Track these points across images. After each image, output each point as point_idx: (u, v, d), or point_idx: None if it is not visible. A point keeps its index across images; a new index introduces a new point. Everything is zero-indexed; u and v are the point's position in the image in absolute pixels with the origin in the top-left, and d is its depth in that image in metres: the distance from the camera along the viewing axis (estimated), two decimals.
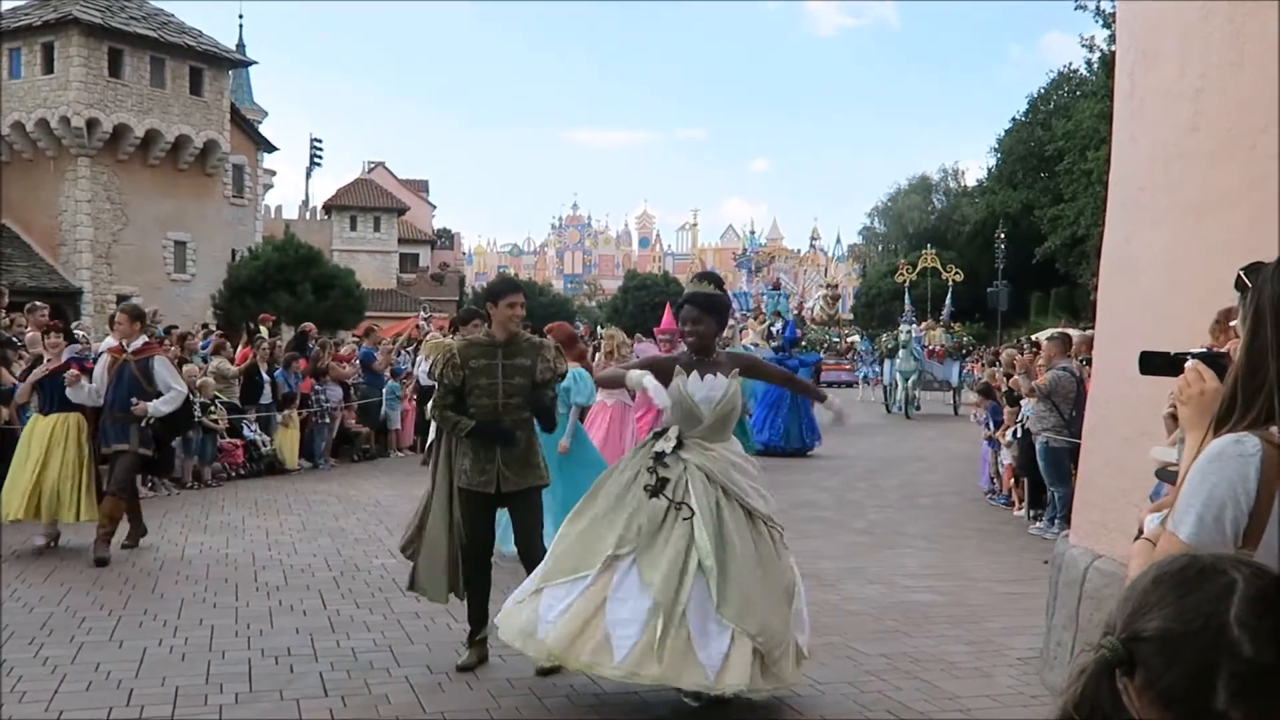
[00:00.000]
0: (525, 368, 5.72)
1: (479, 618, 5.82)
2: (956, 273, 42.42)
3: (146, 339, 9.01)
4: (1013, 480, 11.96)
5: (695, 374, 5.19)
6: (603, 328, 18.10)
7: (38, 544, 8.78)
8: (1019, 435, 11.30)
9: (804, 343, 25.32)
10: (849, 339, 39.62)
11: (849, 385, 34.04)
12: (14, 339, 12.05)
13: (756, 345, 23.14)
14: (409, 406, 17.45)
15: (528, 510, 5.85)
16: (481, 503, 5.73)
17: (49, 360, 8.97)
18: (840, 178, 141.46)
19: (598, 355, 13.65)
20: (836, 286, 49.06)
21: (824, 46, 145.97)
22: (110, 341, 13.19)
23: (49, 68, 34.84)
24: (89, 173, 35.19)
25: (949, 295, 36.75)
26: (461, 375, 5.68)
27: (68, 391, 8.49)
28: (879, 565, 8.65)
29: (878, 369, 29.80)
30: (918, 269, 43.02)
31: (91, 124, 34.60)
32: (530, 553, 5.73)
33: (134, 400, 8.45)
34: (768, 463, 15.49)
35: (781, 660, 4.78)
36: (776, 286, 29.94)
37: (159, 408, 8.53)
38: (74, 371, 8.53)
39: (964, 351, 28.52)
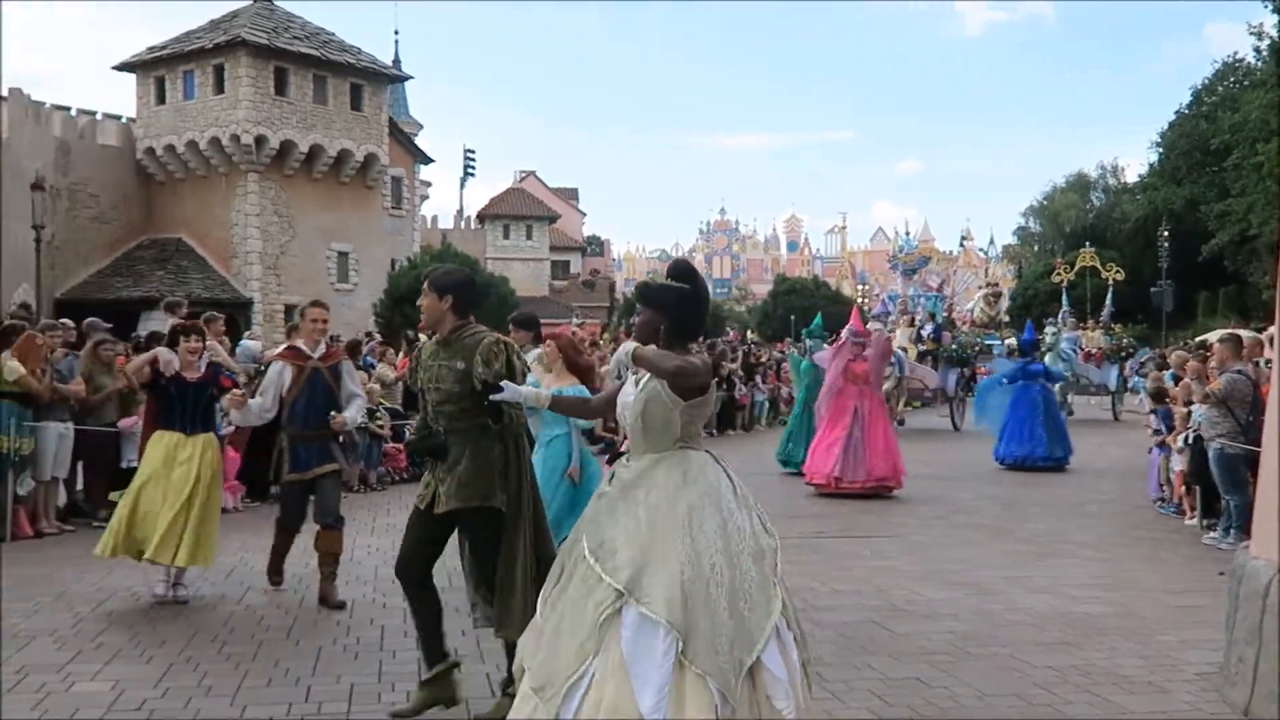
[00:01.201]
0: (458, 371, 5.00)
1: (428, 651, 5.22)
2: (1117, 271, 40.90)
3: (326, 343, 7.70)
4: (1184, 488, 11.49)
5: (632, 377, 4.41)
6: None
7: (160, 594, 7.42)
8: (1190, 441, 10.86)
9: (954, 346, 24.31)
10: (1007, 341, 38.49)
11: None
12: None
13: (905, 350, 22.66)
14: None
15: (472, 535, 5.13)
16: (417, 518, 5.17)
17: (176, 365, 7.45)
18: (992, 177, 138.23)
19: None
20: (998, 285, 47.59)
21: (974, 44, 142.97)
22: (255, 347, 13.65)
23: (220, 88, 36.51)
24: (258, 188, 36.76)
25: (1109, 295, 35.49)
26: (418, 379, 5.25)
27: (232, 415, 7.54)
28: (1044, 574, 8.43)
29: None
30: (1075, 268, 41.64)
31: (259, 141, 36.13)
32: (481, 591, 5.13)
33: (331, 414, 7.28)
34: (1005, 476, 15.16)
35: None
36: (938, 289, 29.16)
37: (355, 418, 7.59)
38: (238, 394, 7.32)
39: (1124, 354, 27.12)
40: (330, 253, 38.91)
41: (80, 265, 36.15)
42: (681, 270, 4.42)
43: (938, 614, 7.05)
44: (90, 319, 12.31)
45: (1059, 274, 42.44)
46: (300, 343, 7.52)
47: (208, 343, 8.09)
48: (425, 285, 5.22)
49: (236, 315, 32.57)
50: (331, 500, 7.39)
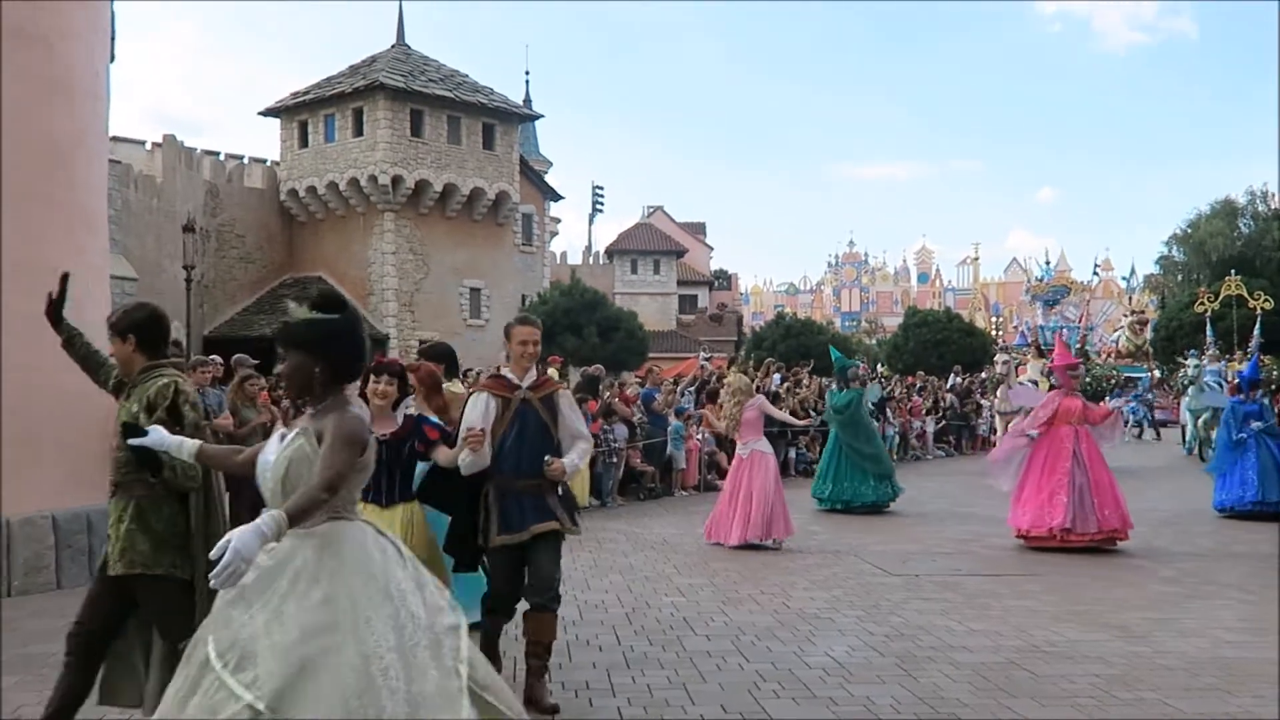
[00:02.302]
0: (132, 412, 4.52)
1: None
2: (1265, 300, 39.25)
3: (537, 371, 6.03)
4: None
5: (277, 432, 3.75)
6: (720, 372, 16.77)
7: None
8: None
9: (1087, 378, 23.24)
10: (1154, 372, 37.18)
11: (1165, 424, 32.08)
12: None
13: (1035, 382, 21.95)
14: (694, 446, 17.70)
15: (142, 605, 4.50)
16: (98, 576, 4.68)
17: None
18: (1134, 204, 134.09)
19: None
20: (1143, 312, 46.20)
21: (1113, 65, 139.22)
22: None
23: (358, 131, 37.76)
24: (393, 226, 37.83)
25: (1257, 325, 34.08)
26: None
27: (462, 462, 5.59)
28: (1194, 616, 8.07)
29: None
30: (1220, 298, 40.11)
31: (396, 181, 37.21)
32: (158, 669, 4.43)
33: (547, 458, 5.69)
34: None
35: None
36: (1079, 320, 28.33)
37: (577, 464, 5.90)
38: (478, 431, 5.50)
39: (1275, 387, 25.65)
40: (463, 289, 39.75)
41: (227, 303, 37.63)
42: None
43: (1082, 656, 6.80)
44: (238, 355, 12.76)
45: (1202, 303, 40.96)
46: (507, 370, 5.96)
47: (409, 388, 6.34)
48: (109, 331, 4.75)
49: (374, 351, 33.38)
50: (549, 571, 5.72)
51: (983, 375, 28.14)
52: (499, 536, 5.64)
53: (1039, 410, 11.59)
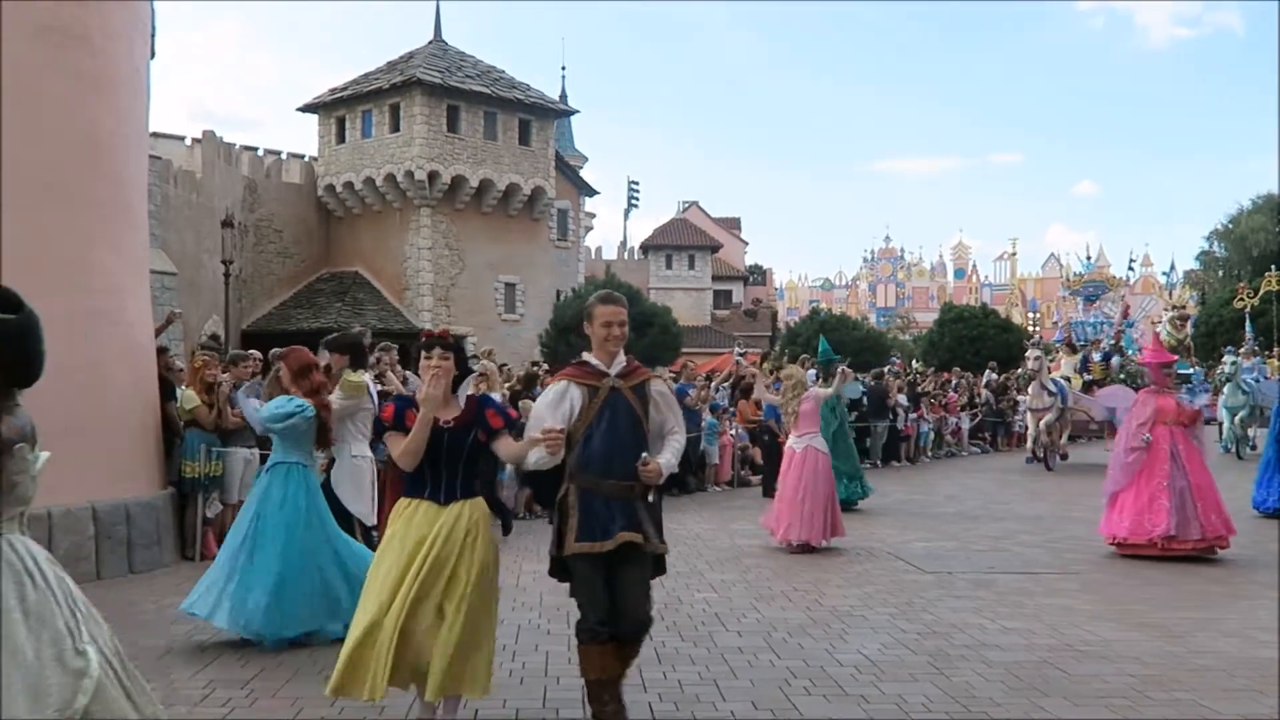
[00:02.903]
0: None
1: None
2: None
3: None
4: None
5: None
6: (775, 364, 16.21)
7: None
8: None
9: (1121, 375, 22.68)
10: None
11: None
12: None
13: (1068, 379, 21.71)
14: (727, 441, 17.70)
15: None
16: None
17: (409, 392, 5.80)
18: (1174, 200, 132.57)
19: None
20: (1185, 308, 45.58)
21: (1156, 59, 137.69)
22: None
23: (395, 127, 37.97)
24: (430, 222, 38.02)
25: None
26: None
27: (531, 460, 4.94)
28: (1230, 617, 8.00)
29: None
30: (1260, 293, 39.61)
31: (432, 176, 37.39)
32: None
33: (643, 456, 4.96)
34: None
35: None
36: (1124, 315, 27.85)
37: (673, 464, 5.14)
38: (558, 430, 4.83)
39: None
40: (498, 284, 39.91)
41: (265, 298, 37.95)
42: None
43: (1117, 655, 6.76)
44: (275, 349, 12.86)
45: (1241, 299, 40.47)
46: (590, 356, 5.17)
47: (473, 369, 5.91)
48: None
49: (409, 345, 33.57)
50: (637, 598, 4.99)
51: (1018, 371, 27.90)
52: (578, 543, 4.96)
53: (1137, 413, 10.75)
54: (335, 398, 7.69)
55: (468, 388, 5.26)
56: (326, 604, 6.85)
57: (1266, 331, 36.33)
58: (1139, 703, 5.76)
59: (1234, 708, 5.68)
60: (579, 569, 5.03)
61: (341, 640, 6.14)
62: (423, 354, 4.96)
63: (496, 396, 10.63)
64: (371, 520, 8.15)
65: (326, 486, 7.77)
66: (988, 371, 29.32)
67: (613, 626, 4.95)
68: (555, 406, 5.05)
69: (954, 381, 27.35)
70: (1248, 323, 34.97)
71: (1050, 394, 20.29)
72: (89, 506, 9.18)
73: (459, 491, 4.98)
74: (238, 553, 6.88)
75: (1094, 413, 21.82)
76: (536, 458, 4.88)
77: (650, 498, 5.06)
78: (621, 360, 5.16)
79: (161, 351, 11.07)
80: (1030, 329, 50.67)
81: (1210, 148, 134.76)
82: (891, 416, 21.89)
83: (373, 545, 7.55)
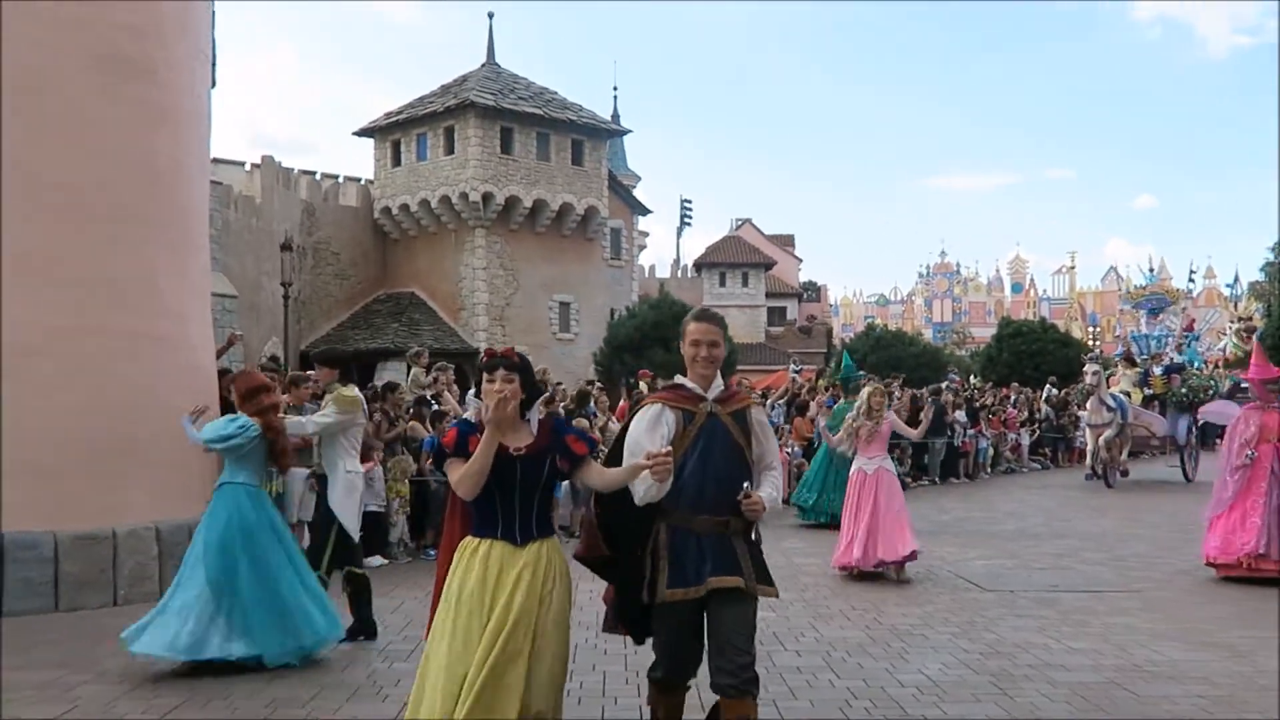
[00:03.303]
0: None
1: None
2: None
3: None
4: None
5: None
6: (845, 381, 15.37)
7: None
8: None
9: (1183, 389, 21.79)
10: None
11: None
12: (433, 398, 13.16)
13: (1128, 394, 21.24)
14: (783, 459, 17.61)
15: None
16: None
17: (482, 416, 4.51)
18: (1236, 211, 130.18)
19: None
20: (1251, 319, 44.68)
21: (1215, 70, 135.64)
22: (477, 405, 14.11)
23: (450, 149, 38.32)
24: (484, 242, 38.30)
25: None
26: None
27: (638, 491, 4.39)
28: None
29: None
30: None
31: (486, 198, 37.68)
32: None
33: (744, 488, 4.44)
34: None
35: None
36: (1188, 328, 27.24)
37: (776, 498, 4.67)
38: (665, 451, 4.23)
39: (1198, 399, 23.68)
40: (553, 303, 40.08)
41: (323, 319, 38.40)
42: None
43: (1185, 676, 6.62)
44: None
45: None
46: (685, 379, 4.69)
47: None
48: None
49: (465, 365, 33.83)
50: (739, 641, 4.37)
51: (1077, 386, 27.44)
52: (670, 590, 4.41)
53: (1240, 430, 10.23)
54: (329, 413, 7.73)
55: (538, 411, 4.52)
56: (288, 622, 6.86)
57: None
58: None
59: None
60: (666, 619, 4.47)
61: (308, 655, 6.86)
62: (485, 376, 4.34)
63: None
64: (357, 536, 8.12)
65: (321, 499, 7.86)
66: (1047, 386, 28.93)
67: (716, 677, 4.36)
68: (653, 429, 4.50)
69: (1013, 397, 27.02)
70: None
71: (1109, 409, 19.81)
72: (153, 527, 9.32)
73: (535, 529, 4.34)
74: (181, 582, 6.89)
75: (1155, 428, 21.38)
76: (645, 488, 4.32)
77: (752, 535, 4.55)
78: (719, 384, 4.66)
79: (223, 374, 11.23)
80: (1090, 343, 49.96)
81: (1272, 157, 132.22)
82: (950, 433, 21.67)
83: (353, 556, 7.83)
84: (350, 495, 7.82)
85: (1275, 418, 10.14)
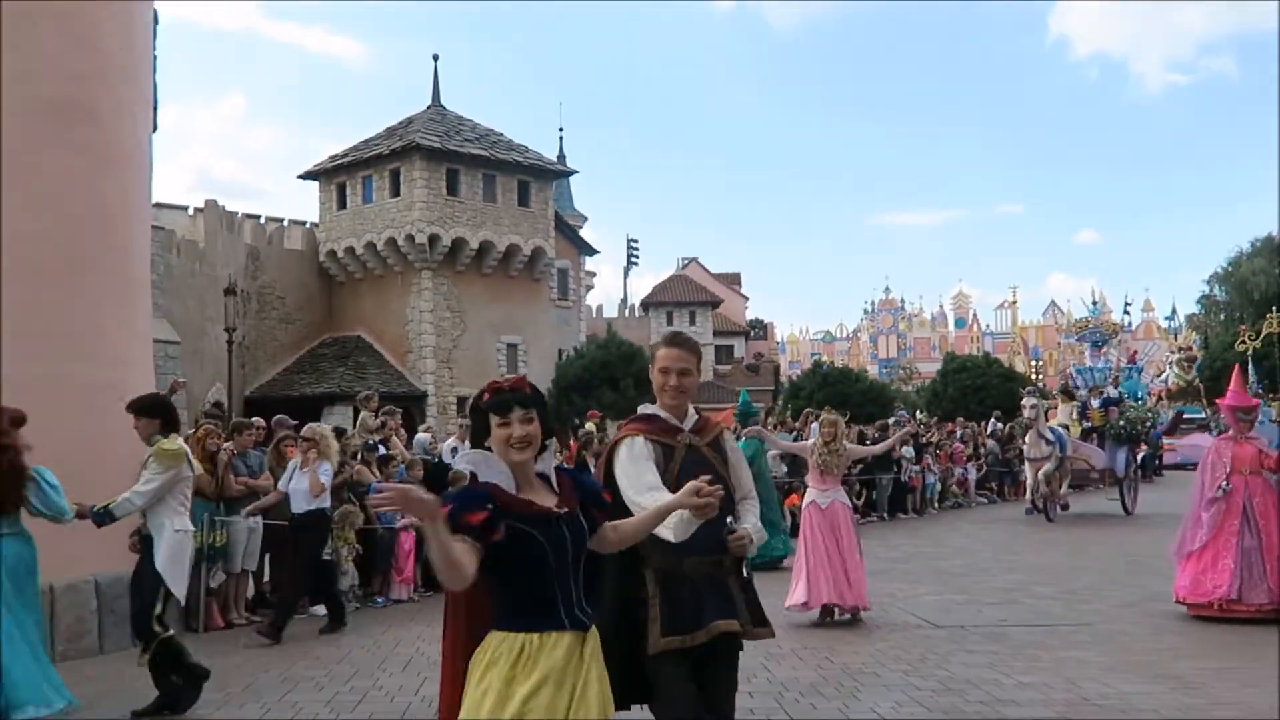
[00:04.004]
0: None
1: None
2: None
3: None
4: None
5: None
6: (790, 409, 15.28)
7: None
8: None
9: (1121, 422, 21.69)
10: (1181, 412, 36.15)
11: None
12: (381, 443, 13.02)
13: (1066, 426, 21.38)
14: None
15: None
16: None
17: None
18: (1174, 246, 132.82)
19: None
20: (1191, 349, 45.58)
21: (1152, 108, 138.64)
22: (452, 443, 13.88)
23: (395, 191, 38.28)
24: (431, 284, 38.18)
25: None
26: None
27: (673, 530, 3.76)
28: (1252, 666, 7.87)
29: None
30: (1261, 335, 39.66)
31: (433, 240, 37.62)
32: None
33: (728, 523, 4.18)
34: None
35: None
36: (1132, 360, 27.57)
37: (760, 529, 4.31)
38: (708, 482, 3.50)
39: (1137, 431, 23.90)
40: (500, 344, 39.97)
41: (268, 364, 38.01)
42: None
43: (1135, 709, 6.65)
44: (278, 416, 12.87)
45: (1243, 342, 40.51)
46: (656, 408, 4.29)
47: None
48: None
49: (412, 408, 33.58)
50: (725, 695, 4.13)
51: (1017, 419, 27.62)
52: (666, 638, 3.94)
53: (1211, 463, 9.84)
54: (151, 475, 7.00)
55: (552, 457, 3.55)
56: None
57: (1270, 374, 36.28)
58: None
59: None
60: (666, 671, 3.93)
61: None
62: (493, 419, 3.37)
63: (328, 468, 10.14)
64: (183, 599, 7.63)
65: (145, 561, 7.10)
66: (992, 420, 29.22)
67: None
68: (648, 459, 4.06)
69: (959, 432, 27.25)
70: (1250, 365, 34.96)
71: (1048, 443, 19.85)
72: (91, 580, 9.11)
73: (581, 607, 3.36)
74: None
75: (1094, 461, 21.45)
76: (675, 522, 3.70)
77: (744, 572, 4.23)
78: (693, 413, 4.31)
79: None
80: (1033, 376, 50.63)
81: (1209, 193, 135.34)
82: (896, 468, 21.78)
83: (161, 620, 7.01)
84: (178, 559, 7.09)
85: (1248, 449, 9.77)
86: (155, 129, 11.66)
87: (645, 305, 59.60)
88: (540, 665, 3.19)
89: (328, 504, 10.24)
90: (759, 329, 70.01)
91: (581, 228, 52.15)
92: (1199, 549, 9.62)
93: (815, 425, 10.93)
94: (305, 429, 10.63)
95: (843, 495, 10.43)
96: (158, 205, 31.91)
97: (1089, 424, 21.89)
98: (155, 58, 11.75)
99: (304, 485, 9.94)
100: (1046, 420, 20.64)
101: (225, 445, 10.62)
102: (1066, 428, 21.20)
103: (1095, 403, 22.17)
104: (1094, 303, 31.62)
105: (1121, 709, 6.67)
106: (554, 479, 3.47)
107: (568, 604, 3.30)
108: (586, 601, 3.38)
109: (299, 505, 9.98)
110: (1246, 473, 9.62)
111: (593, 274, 57.46)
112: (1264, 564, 9.32)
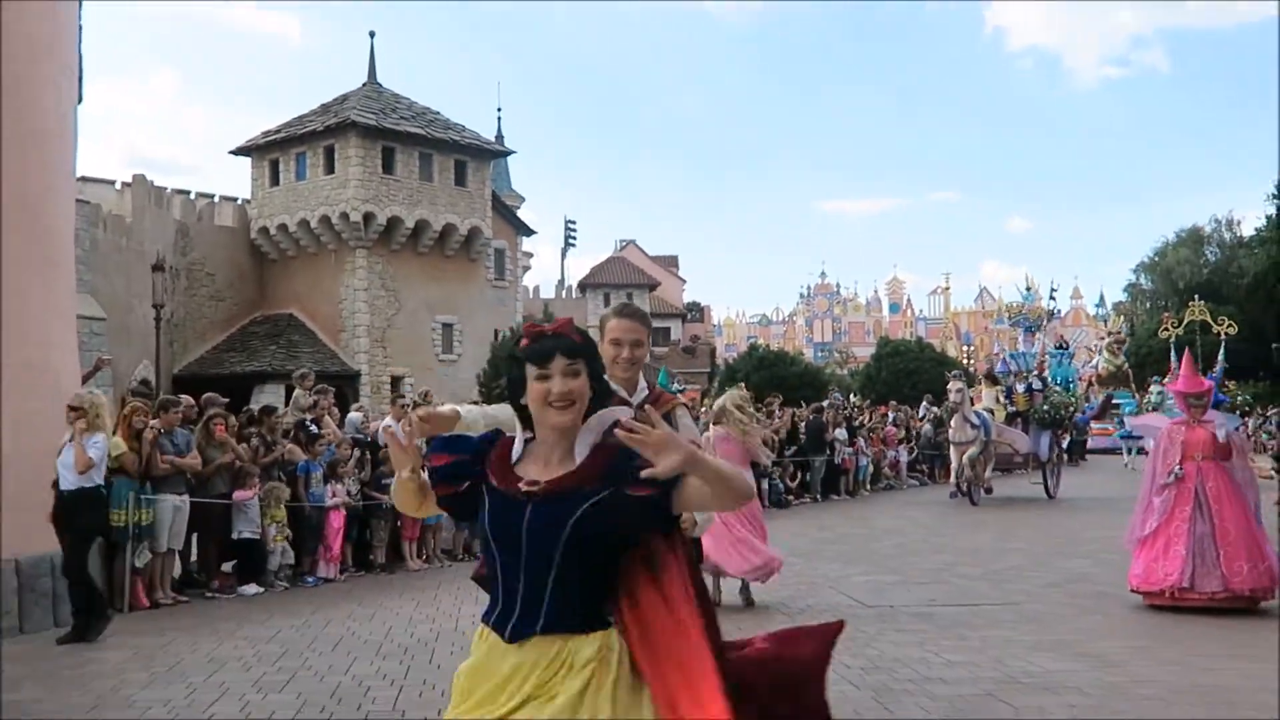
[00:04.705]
0: None
1: None
2: (1229, 325, 39.68)
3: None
4: None
5: None
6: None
7: None
8: None
9: (1045, 406, 21.92)
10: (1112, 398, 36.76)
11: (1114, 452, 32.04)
12: (313, 423, 12.85)
13: (991, 411, 21.59)
14: None
15: None
16: None
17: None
18: (1105, 233, 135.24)
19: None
20: (1119, 333, 46.31)
21: (1086, 99, 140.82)
22: (389, 421, 13.79)
23: (330, 168, 37.74)
24: (365, 263, 37.74)
25: (1221, 351, 34.40)
26: None
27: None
28: (1171, 645, 8.07)
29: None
30: (1184, 323, 40.51)
31: (368, 218, 37.17)
32: None
33: None
34: None
35: None
36: (1062, 346, 27.92)
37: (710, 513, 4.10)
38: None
39: (1240, 413, 25.09)
40: (435, 324, 39.66)
41: (197, 342, 37.39)
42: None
43: (1059, 686, 6.77)
44: (208, 394, 12.66)
45: (1166, 329, 41.34)
46: (610, 380, 3.52)
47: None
48: None
49: (345, 387, 33.23)
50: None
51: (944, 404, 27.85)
52: None
53: (1164, 449, 9.66)
54: None
55: (594, 429, 2.78)
56: None
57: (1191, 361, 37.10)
58: None
59: None
60: None
61: None
62: (530, 369, 2.71)
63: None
64: None
65: None
66: (924, 404, 29.58)
67: None
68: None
69: (891, 415, 27.56)
70: (1172, 352, 35.67)
71: (973, 426, 20.01)
72: (12, 560, 8.92)
73: (545, 616, 2.68)
74: None
75: (1018, 445, 21.65)
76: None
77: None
78: (644, 386, 4.22)
79: None
80: (965, 361, 51.30)
81: (1139, 184, 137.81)
82: (830, 450, 21.98)
83: None
84: None
85: (1200, 434, 9.53)
86: (80, 101, 11.37)
87: (583, 286, 59.48)
88: (485, 676, 2.68)
89: (100, 480, 8.87)
90: (696, 312, 70.23)
91: (519, 208, 51.85)
92: (1150, 536, 9.42)
93: (724, 400, 10.66)
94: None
95: (750, 476, 10.26)
96: (83, 179, 31.19)
97: (1013, 408, 22.11)
98: (80, 29, 11.46)
99: (70, 459, 8.63)
100: (972, 404, 20.83)
101: (152, 423, 10.43)
102: (991, 412, 21.43)
103: (1020, 387, 22.37)
104: (1027, 289, 32.04)
105: (1045, 685, 6.78)
106: (580, 452, 2.73)
107: (510, 606, 2.68)
108: (560, 608, 2.65)
109: (66, 482, 8.64)
110: (1199, 459, 9.41)
111: (530, 255, 57.21)
112: (1217, 551, 9.10)
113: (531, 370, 2.70)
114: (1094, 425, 33.00)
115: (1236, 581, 9.01)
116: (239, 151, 40.42)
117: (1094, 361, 45.13)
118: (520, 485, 2.68)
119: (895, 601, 10.00)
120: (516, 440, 2.78)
